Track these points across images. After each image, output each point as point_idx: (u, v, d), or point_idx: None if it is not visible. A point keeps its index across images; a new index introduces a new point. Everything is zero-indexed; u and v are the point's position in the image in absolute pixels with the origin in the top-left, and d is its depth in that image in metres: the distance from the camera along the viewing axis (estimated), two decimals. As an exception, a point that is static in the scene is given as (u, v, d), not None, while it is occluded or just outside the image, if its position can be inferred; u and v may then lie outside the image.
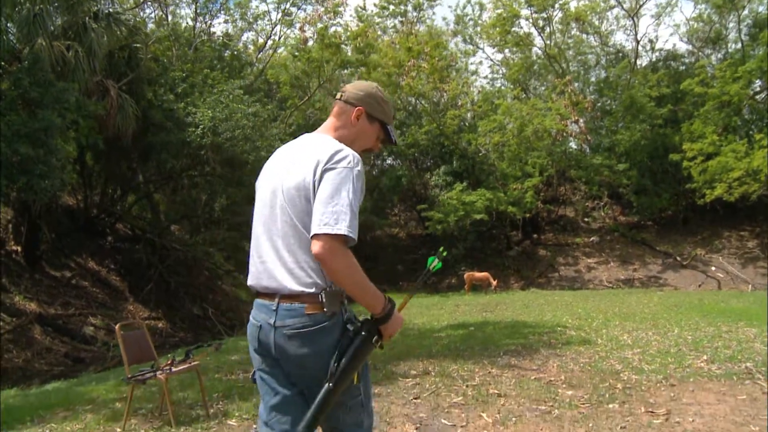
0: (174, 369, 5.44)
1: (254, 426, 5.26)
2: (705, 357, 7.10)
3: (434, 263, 2.81)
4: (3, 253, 15.98)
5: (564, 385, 6.10)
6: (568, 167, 27.11)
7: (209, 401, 6.18)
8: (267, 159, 2.75)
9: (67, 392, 7.44)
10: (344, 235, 2.31)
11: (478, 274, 20.50)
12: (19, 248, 16.40)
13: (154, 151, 17.42)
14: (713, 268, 23.06)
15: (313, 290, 2.40)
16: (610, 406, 5.31)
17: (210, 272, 22.18)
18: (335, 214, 2.33)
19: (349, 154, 2.46)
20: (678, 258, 24.14)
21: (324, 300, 2.38)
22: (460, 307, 15.07)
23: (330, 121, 2.70)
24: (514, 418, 5.07)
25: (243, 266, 22.88)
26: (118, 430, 5.34)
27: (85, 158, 18.93)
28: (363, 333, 2.43)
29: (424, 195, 27.24)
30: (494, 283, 20.05)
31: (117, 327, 5.46)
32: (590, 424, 4.81)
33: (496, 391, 5.96)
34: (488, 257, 26.25)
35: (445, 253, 2.82)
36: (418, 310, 14.83)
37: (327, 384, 2.35)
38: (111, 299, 17.39)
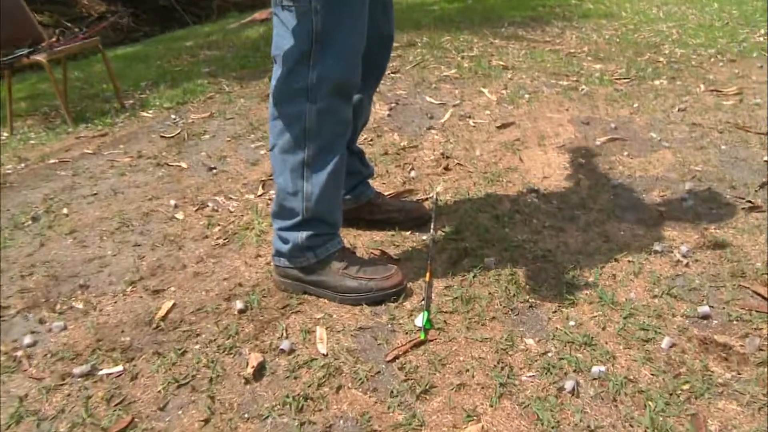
0: (58, 48, 3.89)
1: (172, 116, 3.88)
2: (762, 31, 5.54)
3: None
4: None
5: (589, 58, 4.62)
6: None
7: (133, 90, 4.74)
8: None
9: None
10: None
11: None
12: None
13: None
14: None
15: None
16: (657, 82, 3.88)
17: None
18: None
19: None
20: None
21: None
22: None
23: None
24: (526, 95, 3.66)
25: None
26: (5, 134, 3.98)
27: None
28: None
29: None
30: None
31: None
32: (635, 104, 3.42)
33: (501, 63, 4.49)
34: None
35: None
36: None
37: None
38: (58, -9, 15.07)
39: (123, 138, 3.56)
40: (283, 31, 1.50)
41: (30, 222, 2.50)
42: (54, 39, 4.10)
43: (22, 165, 3.28)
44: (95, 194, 2.73)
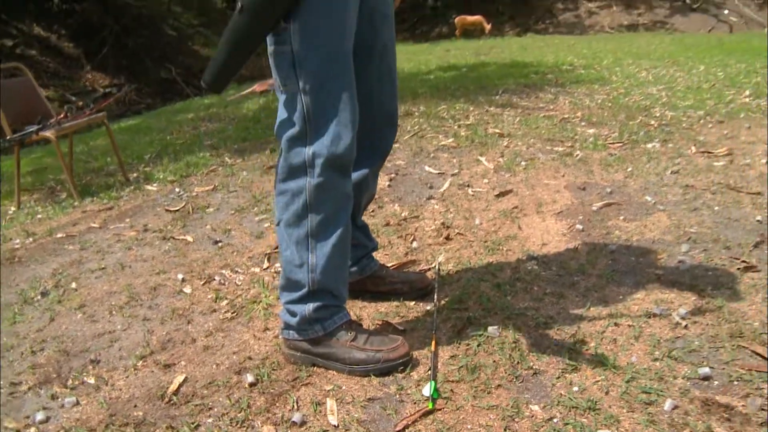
0: (67, 123, 4.03)
1: (176, 189, 3.98)
2: (747, 92, 5.71)
3: None
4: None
5: (583, 123, 4.76)
6: None
7: (137, 163, 4.86)
8: None
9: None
10: None
11: (470, 18, 18.45)
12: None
13: None
14: (726, 12, 20.97)
15: None
16: (650, 145, 4.00)
17: (178, 31, 19.97)
18: None
19: None
20: (688, 0, 21.90)
21: None
22: (451, 52, 13.41)
23: None
24: (523, 162, 3.77)
25: (215, 24, 20.72)
26: (12, 209, 4.08)
27: None
28: None
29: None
30: (488, 26, 18.12)
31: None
32: (629, 168, 3.52)
33: (497, 131, 4.62)
34: (480, 3, 23.85)
35: None
36: (403, 56, 13.17)
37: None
38: (65, 68, 15.46)
39: (128, 211, 3.65)
40: (282, 112, 1.63)
41: (39, 297, 2.55)
42: (62, 115, 4.21)
43: (30, 240, 3.34)
44: (103, 268, 2.79)
